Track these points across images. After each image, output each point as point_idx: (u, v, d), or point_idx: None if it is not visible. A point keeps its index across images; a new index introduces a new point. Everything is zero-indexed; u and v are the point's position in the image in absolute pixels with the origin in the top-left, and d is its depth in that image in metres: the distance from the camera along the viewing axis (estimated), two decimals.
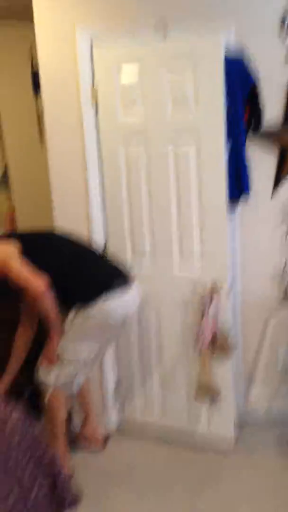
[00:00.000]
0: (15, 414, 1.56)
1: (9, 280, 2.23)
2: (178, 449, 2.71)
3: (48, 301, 2.25)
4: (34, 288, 2.21)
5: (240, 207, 2.67)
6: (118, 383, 2.88)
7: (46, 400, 2.42)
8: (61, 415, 2.47)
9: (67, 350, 2.37)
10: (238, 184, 2.59)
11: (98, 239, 2.70)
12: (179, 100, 2.41)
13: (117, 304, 2.34)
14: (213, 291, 2.48)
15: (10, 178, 3.54)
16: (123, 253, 2.68)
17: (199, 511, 2.28)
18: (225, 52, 2.36)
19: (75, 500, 1.71)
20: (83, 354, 2.38)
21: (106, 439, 2.79)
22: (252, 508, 2.27)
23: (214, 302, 2.48)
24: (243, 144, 2.55)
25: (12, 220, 3.57)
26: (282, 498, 2.31)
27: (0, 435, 1.44)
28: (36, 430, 1.61)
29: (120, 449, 2.76)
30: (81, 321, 2.34)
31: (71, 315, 2.36)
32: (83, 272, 2.36)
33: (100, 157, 2.65)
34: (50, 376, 2.39)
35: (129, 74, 2.49)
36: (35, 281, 2.20)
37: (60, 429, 2.46)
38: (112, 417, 2.91)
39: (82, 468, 2.56)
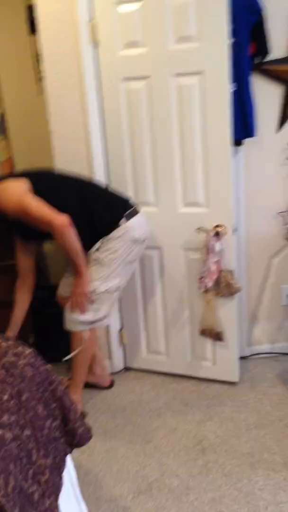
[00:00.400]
0: (27, 350, 1.58)
1: (24, 219, 2.19)
2: (184, 384, 2.80)
3: (73, 235, 2.22)
4: (58, 223, 2.17)
5: (245, 145, 2.63)
6: (122, 322, 2.93)
7: (82, 341, 2.48)
8: (92, 353, 2.58)
9: (99, 285, 2.40)
10: (243, 124, 2.54)
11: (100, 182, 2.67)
12: (182, 31, 2.32)
13: (138, 220, 2.42)
14: (218, 231, 2.48)
15: (7, 124, 3.46)
16: (127, 192, 2.65)
17: (206, 439, 2.37)
18: None
19: (86, 434, 1.76)
20: (113, 286, 2.43)
21: (112, 379, 2.86)
22: (256, 434, 2.37)
23: (218, 241, 2.48)
24: (248, 81, 2.49)
25: (11, 167, 3.52)
26: (284, 427, 2.41)
27: (14, 369, 1.47)
28: (47, 365, 1.64)
29: (128, 386, 2.84)
30: (107, 251, 2.36)
31: (94, 249, 2.37)
32: (98, 200, 2.38)
33: (100, 96, 2.58)
34: (85, 317, 2.43)
35: (129, 5, 2.39)
36: (57, 215, 2.17)
37: (87, 368, 2.58)
38: (118, 357, 2.97)
39: (92, 405, 2.65)
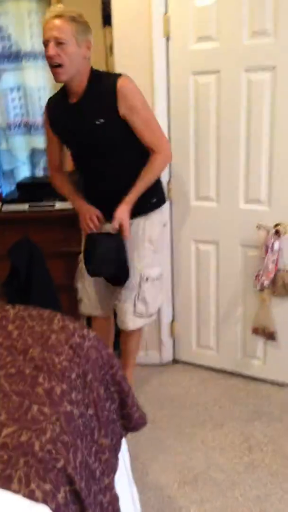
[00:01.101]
0: (92, 333, 1.63)
1: (132, 124, 2.19)
2: (233, 381, 2.80)
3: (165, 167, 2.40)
4: (167, 146, 2.35)
5: None
6: (174, 314, 2.95)
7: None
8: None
9: (160, 270, 2.50)
10: None
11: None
12: (257, 25, 2.30)
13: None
14: (278, 229, 2.46)
15: None
16: (187, 186, 2.68)
17: (253, 437, 2.37)
18: None
19: (142, 420, 1.79)
20: (159, 270, 2.51)
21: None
22: None
23: (278, 240, 2.46)
24: None
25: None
26: None
27: (80, 351, 1.51)
28: (109, 349, 1.68)
29: (176, 378, 2.86)
30: (151, 232, 2.40)
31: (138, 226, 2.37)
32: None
33: (168, 89, 2.60)
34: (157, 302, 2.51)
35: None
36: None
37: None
38: (168, 349, 2.99)
39: (140, 395, 2.69)
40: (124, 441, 1.74)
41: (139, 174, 2.25)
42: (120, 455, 1.66)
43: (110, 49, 2.97)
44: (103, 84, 2.16)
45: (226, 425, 2.44)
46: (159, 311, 2.86)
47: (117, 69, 2.64)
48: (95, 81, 2.17)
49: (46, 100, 2.37)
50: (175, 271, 2.87)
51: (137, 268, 2.38)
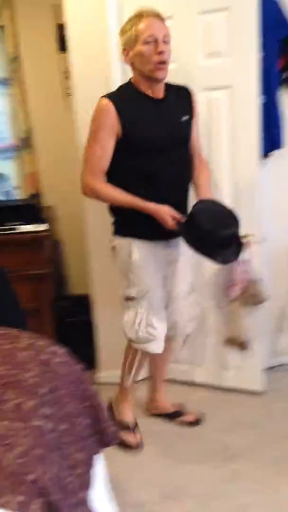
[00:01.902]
0: (61, 349, 1.62)
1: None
2: (208, 393, 2.82)
3: None
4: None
5: (273, 157, 2.67)
6: None
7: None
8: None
9: None
10: (271, 136, 2.59)
11: None
12: (212, 46, 2.39)
13: None
14: (246, 241, 2.50)
15: (34, 139, 3.54)
16: None
17: (232, 447, 2.37)
18: None
19: (116, 434, 1.78)
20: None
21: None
22: (282, 443, 2.37)
23: (246, 252, 2.51)
24: (276, 94, 2.55)
25: (36, 181, 3.58)
26: None
27: (50, 366, 1.51)
28: (80, 365, 1.67)
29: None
30: None
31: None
32: None
33: None
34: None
35: None
36: None
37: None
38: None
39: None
40: (100, 457, 1.73)
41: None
42: (96, 471, 1.64)
43: (65, 74, 3.03)
44: (175, 85, 2.28)
45: (204, 436, 2.44)
46: None
47: (75, 93, 2.68)
48: (167, 82, 2.25)
49: (105, 101, 2.17)
50: None
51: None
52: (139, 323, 2.30)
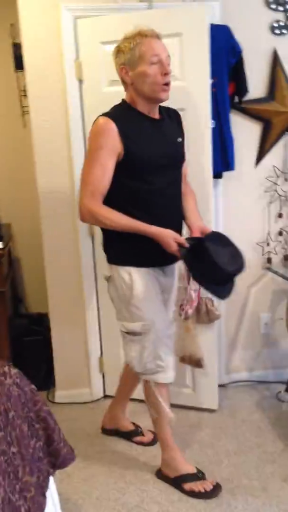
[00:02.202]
0: (13, 371, 1.61)
1: None
2: None
3: None
4: None
5: (225, 178, 2.75)
6: (101, 349, 2.96)
7: None
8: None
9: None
10: (223, 158, 2.66)
11: None
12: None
13: None
14: None
15: None
16: None
17: None
18: (211, 20, 2.41)
19: (70, 455, 1.77)
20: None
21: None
22: (235, 460, 2.41)
23: None
24: (227, 118, 2.63)
25: None
26: (262, 453, 2.45)
27: (0, 389, 1.49)
28: (32, 386, 1.66)
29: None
30: None
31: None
32: None
33: (84, 129, 2.68)
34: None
35: (114, 45, 2.51)
36: None
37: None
38: (97, 384, 2.99)
39: (70, 432, 2.63)
40: (52, 481, 1.72)
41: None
42: (48, 494, 1.63)
43: (23, 92, 3.03)
44: (164, 107, 2.22)
45: (159, 455, 2.44)
46: (86, 347, 2.87)
47: (32, 111, 2.69)
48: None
49: (106, 120, 2.05)
50: (100, 306, 2.89)
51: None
52: (147, 356, 2.19)
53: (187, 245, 2.07)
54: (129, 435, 2.62)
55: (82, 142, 2.69)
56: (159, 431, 2.31)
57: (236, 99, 2.71)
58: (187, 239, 2.13)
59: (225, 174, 2.74)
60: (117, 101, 2.55)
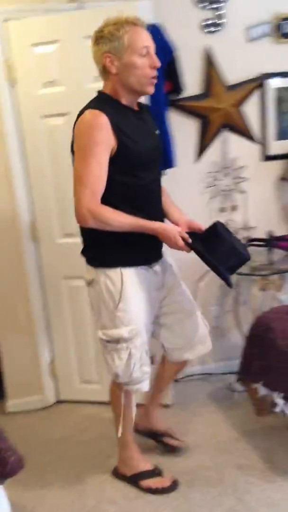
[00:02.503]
0: None
1: None
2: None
3: None
4: None
5: (167, 175, 2.76)
6: (53, 354, 2.93)
7: None
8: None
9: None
10: (163, 156, 2.67)
11: (24, 221, 2.73)
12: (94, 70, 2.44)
13: None
14: None
15: None
16: (51, 231, 2.73)
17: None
18: (143, 19, 2.41)
19: (18, 463, 1.74)
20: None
21: None
22: (191, 453, 2.44)
23: None
24: (165, 116, 2.64)
25: None
26: (216, 443, 2.49)
27: None
28: None
29: (61, 419, 2.84)
30: None
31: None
32: None
33: (20, 134, 2.65)
34: None
35: (45, 46, 2.51)
36: None
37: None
38: (49, 390, 2.96)
39: (24, 441, 2.59)
40: (2, 491, 1.68)
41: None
42: None
43: None
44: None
45: (114, 457, 2.43)
46: (36, 353, 2.83)
47: None
48: None
49: (98, 113, 1.89)
50: (49, 310, 2.86)
51: None
52: (134, 364, 2.05)
53: (190, 240, 1.99)
54: (160, 436, 2.48)
55: (17, 144, 2.65)
56: (122, 430, 2.19)
57: (172, 97, 2.73)
58: (188, 233, 2.04)
59: (167, 171, 2.76)
60: (53, 102, 2.55)
